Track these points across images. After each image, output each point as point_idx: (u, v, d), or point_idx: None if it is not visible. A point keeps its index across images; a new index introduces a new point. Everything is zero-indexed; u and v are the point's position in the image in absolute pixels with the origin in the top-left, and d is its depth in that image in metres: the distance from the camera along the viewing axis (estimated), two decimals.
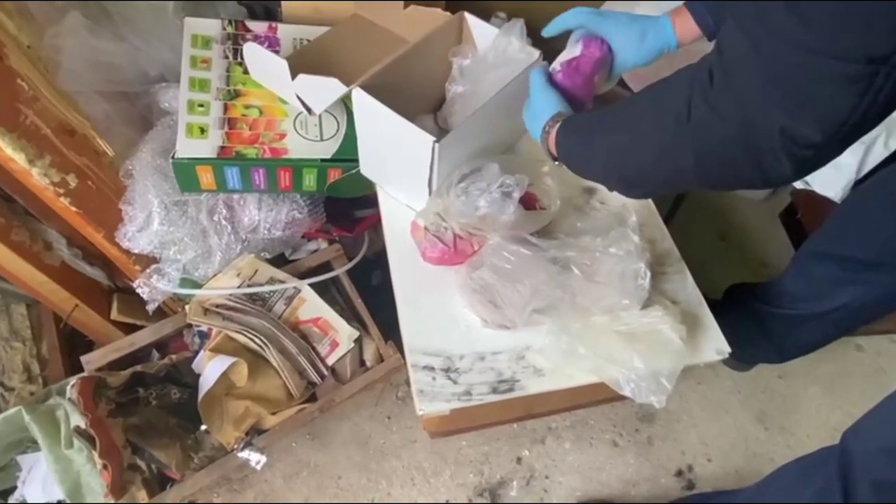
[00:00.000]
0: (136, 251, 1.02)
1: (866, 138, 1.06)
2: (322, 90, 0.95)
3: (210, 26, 1.11)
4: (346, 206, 1.23)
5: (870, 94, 0.47)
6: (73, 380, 1.07)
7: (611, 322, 0.81)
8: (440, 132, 1.04)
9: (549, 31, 0.86)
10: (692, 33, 0.79)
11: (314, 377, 1.10)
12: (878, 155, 1.06)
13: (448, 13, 1.03)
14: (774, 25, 0.49)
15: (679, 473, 1.18)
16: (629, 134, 0.65)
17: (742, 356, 1.23)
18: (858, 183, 1.08)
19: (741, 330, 1.15)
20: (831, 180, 1.09)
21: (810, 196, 1.18)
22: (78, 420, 0.94)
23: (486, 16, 1.45)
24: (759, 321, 1.16)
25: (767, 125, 0.51)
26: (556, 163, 0.78)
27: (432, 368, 0.83)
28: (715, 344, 0.88)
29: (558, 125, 0.74)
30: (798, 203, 1.43)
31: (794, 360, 1.22)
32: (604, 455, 1.18)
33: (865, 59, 0.45)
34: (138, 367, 1.00)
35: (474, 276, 0.80)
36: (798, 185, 1.16)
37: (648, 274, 0.77)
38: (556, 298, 0.75)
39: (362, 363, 1.16)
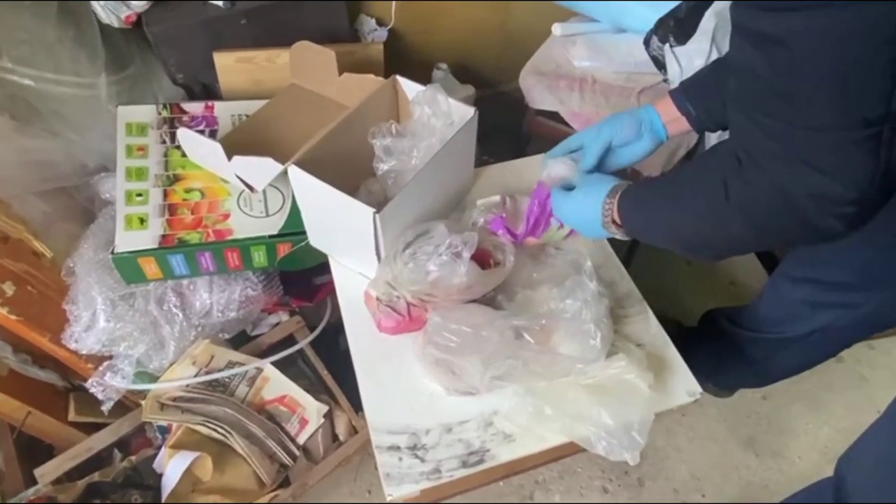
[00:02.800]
0: (84, 352, 0.98)
1: None
2: (259, 169, 0.94)
3: (145, 113, 1.09)
4: (304, 274, 1.21)
5: (883, 149, 0.51)
6: (31, 491, 1.02)
7: (576, 376, 0.79)
8: (388, 196, 1.03)
9: (553, 154, 0.94)
10: (679, 125, 0.86)
11: (285, 459, 1.05)
12: None
13: (381, 78, 1.03)
14: (771, 110, 0.54)
15: None
16: (685, 207, 0.68)
17: (723, 383, 1.21)
18: None
19: (720, 356, 1.14)
20: None
21: None
22: None
23: (428, 69, 1.48)
24: (737, 347, 1.14)
25: (798, 193, 0.55)
26: (620, 236, 0.81)
27: (398, 448, 0.79)
28: (685, 385, 0.85)
29: (619, 195, 0.77)
30: None
31: (773, 383, 1.20)
32: None
33: (864, 123, 0.50)
34: (95, 477, 0.95)
35: (425, 350, 0.77)
36: None
37: (599, 334, 0.75)
38: (510, 367, 0.72)
39: (335, 438, 1.11)
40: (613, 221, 0.78)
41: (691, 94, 0.84)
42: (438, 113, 0.90)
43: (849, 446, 0.75)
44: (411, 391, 0.85)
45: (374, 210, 0.80)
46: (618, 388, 0.79)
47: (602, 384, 0.79)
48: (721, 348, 1.14)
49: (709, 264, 1.53)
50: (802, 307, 0.99)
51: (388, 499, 0.77)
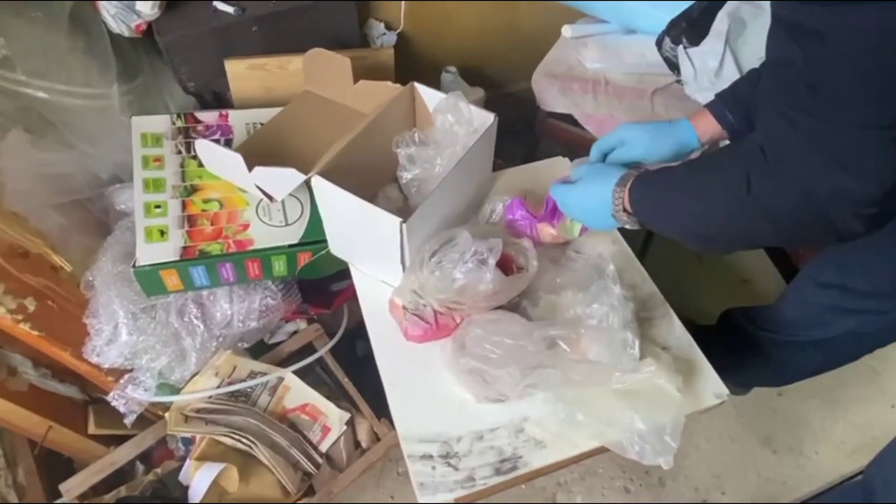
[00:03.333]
0: (106, 365, 0.98)
1: None
2: (281, 179, 0.93)
3: (159, 123, 1.09)
4: (321, 281, 1.20)
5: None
6: None
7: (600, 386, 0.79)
8: (405, 201, 1.03)
9: (593, 157, 0.93)
10: (713, 131, 0.86)
11: (309, 468, 1.05)
12: None
13: (398, 85, 1.02)
14: (803, 105, 0.54)
15: None
16: (702, 197, 0.68)
17: (741, 381, 1.21)
18: None
19: (739, 356, 1.14)
20: None
21: None
22: None
23: (437, 71, 1.47)
24: (757, 347, 1.14)
25: (821, 191, 0.55)
26: (630, 226, 0.81)
27: (430, 457, 0.79)
28: (713, 388, 0.86)
29: (630, 182, 0.76)
30: None
31: (792, 383, 1.21)
32: None
33: (893, 121, 0.50)
34: (122, 491, 0.95)
35: (461, 361, 0.77)
36: None
37: (637, 342, 0.75)
38: (547, 376, 0.73)
39: (357, 444, 1.11)
40: (625, 210, 0.78)
41: (730, 105, 0.84)
42: (461, 121, 0.90)
43: (880, 450, 0.76)
44: (440, 399, 0.85)
45: (401, 220, 0.80)
46: (648, 392, 0.79)
47: (632, 389, 0.80)
48: (740, 348, 1.15)
49: (720, 263, 1.54)
50: (829, 312, 0.99)
51: None
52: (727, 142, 0.89)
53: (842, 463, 1.22)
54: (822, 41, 0.50)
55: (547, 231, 0.97)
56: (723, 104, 0.85)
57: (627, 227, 0.82)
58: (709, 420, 1.27)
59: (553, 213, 0.95)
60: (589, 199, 0.83)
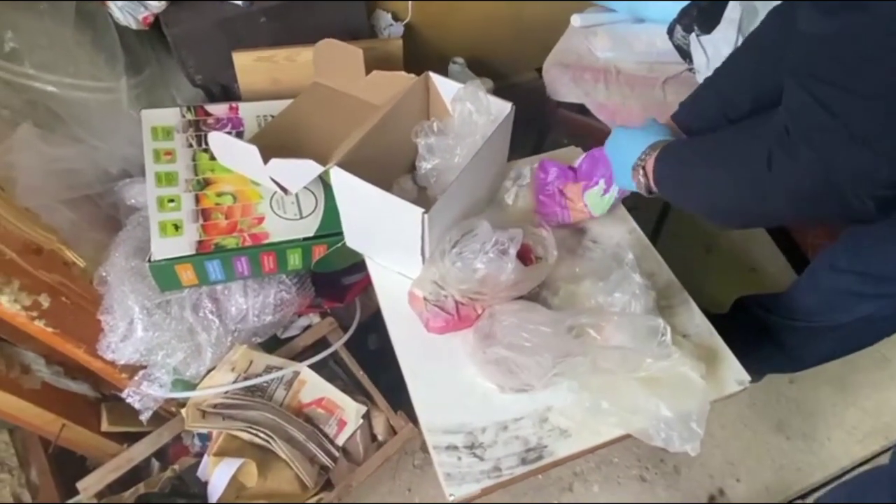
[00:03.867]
0: (121, 362, 0.97)
1: None
2: (297, 171, 0.92)
3: (169, 116, 1.07)
4: (333, 275, 1.19)
5: None
6: None
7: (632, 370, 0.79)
8: (420, 191, 1.02)
9: None
10: None
11: (326, 461, 1.05)
12: None
13: (412, 76, 1.01)
14: (832, 77, 0.54)
15: (711, 499, 1.16)
16: (725, 171, 0.69)
17: (755, 369, 1.21)
18: None
19: (753, 343, 1.14)
20: None
21: None
22: None
23: (444, 62, 1.46)
24: (771, 334, 1.14)
25: (843, 169, 0.56)
26: (650, 194, 0.83)
27: (456, 448, 0.79)
28: (734, 374, 0.86)
29: (657, 153, 0.78)
30: None
31: (806, 369, 1.21)
32: (633, 493, 1.15)
33: None
34: (141, 488, 0.94)
35: (489, 350, 0.77)
36: None
37: (669, 329, 0.75)
38: (577, 364, 0.72)
39: (374, 438, 1.11)
40: (644, 171, 0.82)
41: (693, 115, 0.88)
42: (481, 110, 0.90)
43: None
44: (463, 390, 0.85)
45: (423, 210, 0.80)
46: (672, 380, 0.79)
47: (655, 377, 0.80)
48: (754, 335, 1.15)
49: (728, 252, 1.54)
50: (845, 297, 0.99)
51: (450, 499, 0.76)
52: None
53: (854, 448, 1.23)
54: (863, 10, 0.50)
55: (576, 193, 0.97)
56: (686, 115, 0.89)
57: (640, 191, 0.85)
58: (722, 408, 1.27)
59: (593, 170, 0.96)
60: (623, 148, 0.86)
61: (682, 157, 0.77)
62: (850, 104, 0.54)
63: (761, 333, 1.14)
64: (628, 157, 0.84)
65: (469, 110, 0.89)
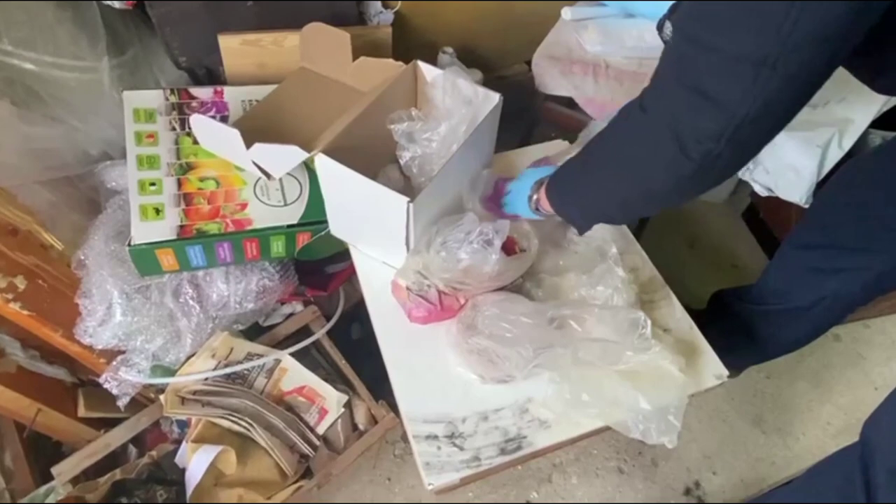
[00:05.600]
0: (99, 347, 0.96)
1: (820, 141, 1.08)
2: (281, 157, 0.91)
3: (152, 98, 1.05)
4: (317, 263, 1.19)
5: (757, 90, 0.52)
6: (42, 490, 1.00)
7: (612, 363, 0.80)
8: (406, 181, 1.01)
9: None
10: None
11: (306, 450, 1.05)
12: (834, 156, 1.08)
13: (400, 63, 1.00)
14: (692, 34, 0.55)
15: (687, 492, 1.18)
16: (607, 170, 0.70)
17: (733, 363, 1.23)
18: (820, 185, 1.10)
19: (730, 337, 1.16)
20: (794, 185, 1.11)
21: (771, 197, 1.20)
22: None
23: (434, 52, 1.45)
24: (746, 323, 1.16)
25: (685, 128, 0.58)
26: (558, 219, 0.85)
27: (436, 437, 0.79)
28: (713, 369, 0.88)
29: (543, 186, 0.80)
30: (759, 204, 1.46)
31: (779, 358, 1.23)
32: (612, 484, 1.16)
33: (764, 57, 0.50)
34: (117, 474, 0.93)
35: (471, 340, 0.77)
36: (762, 192, 1.18)
37: (649, 322, 0.76)
38: (558, 356, 0.73)
39: (354, 427, 1.11)
40: (539, 205, 0.85)
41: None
42: (459, 97, 0.89)
43: (874, 410, 0.77)
44: (444, 380, 0.85)
45: (408, 199, 0.79)
46: (651, 374, 0.80)
47: (635, 370, 0.80)
48: (730, 328, 1.16)
49: (710, 248, 1.56)
50: (811, 275, 1.01)
51: (429, 488, 0.77)
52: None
53: (827, 443, 1.25)
54: None
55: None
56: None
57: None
58: (700, 402, 1.29)
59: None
60: (518, 206, 0.90)
61: (574, 185, 0.78)
62: (701, 62, 0.55)
63: (737, 324, 1.16)
64: (525, 211, 0.88)
65: (447, 97, 0.89)
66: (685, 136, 0.58)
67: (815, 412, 1.30)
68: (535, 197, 0.85)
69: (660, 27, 1.19)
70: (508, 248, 0.90)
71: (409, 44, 1.46)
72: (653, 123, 0.62)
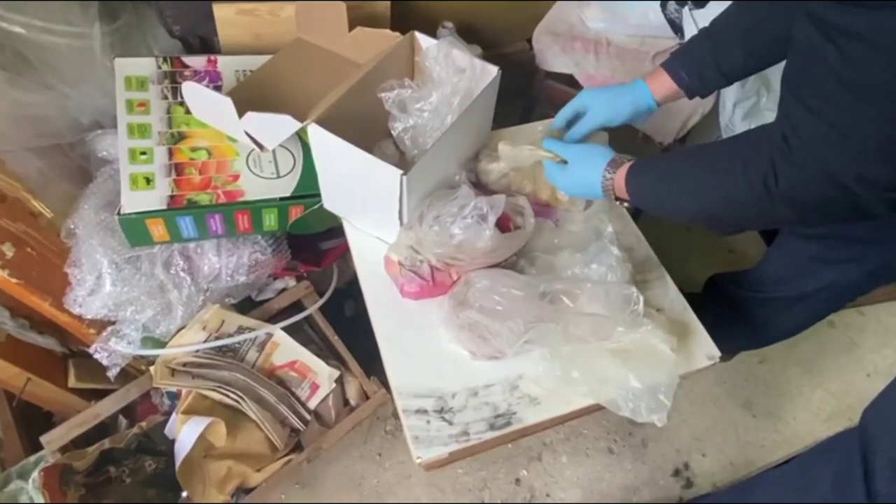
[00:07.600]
0: (88, 316, 0.95)
1: None
2: (274, 127, 0.90)
3: (144, 66, 1.04)
4: (311, 238, 1.18)
5: None
6: (32, 459, 0.99)
7: (603, 340, 0.79)
8: (402, 156, 1.00)
9: (557, 124, 0.96)
10: (668, 91, 0.87)
11: (297, 424, 1.05)
12: None
13: (397, 34, 0.99)
14: (833, 98, 0.55)
15: (676, 473, 1.18)
16: (718, 186, 0.68)
17: (727, 347, 1.23)
18: None
19: (725, 320, 1.15)
20: None
21: None
22: None
23: (433, 27, 1.43)
24: (741, 309, 1.15)
25: (848, 178, 0.56)
26: (625, 205, 0.83)
27: (425, 411, 0.79)
28: (705, 349, 0.87)
29: (626, 170, 0.77)
30: None
31: (773, 343, 1.23)
32: (601, 464, 1.17)
33: None
34: (106, 443, 0.92)
35: (462, 315, 0.76)
36: None
37: (641, 298, 0.75)
38: (549, 331, 0.72)
39: (346, 402, 1.11)
40: (617, 198, 0.80)
41: (685, 65, 0.85)
42: (452, 67, 0.88)
43: (875, 396, 0.77)
44: (435, 356, 0.84)
45: (401, 172, 0.78)
46: (643, 352, 0.80)
47: (626, 348, 0.80)
48: (725, 312, 1.16)
49: (708, 233, 1.54)
50: (812, 264, 1.01)
51: (417, 461, 0.77)
52: (685, 100, 0.89)
53: (818, 428, 1.26)
54: (860, 39, 0.50)
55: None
56: (678, 64, 0.86)
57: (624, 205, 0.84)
58: (692, 385, 1.29)
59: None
60: (583, 184, 0.84)
61: (661, 178, 0.75)
62: (848, 122, 0.55)
63: (732, 309, 1.15)
64: (594, 191, 0.82)
65: (441, 67, 0.87)
66: None
67: (807, 397, 1.30)
68: (608, 177, 0.80)
69: (663, 5, 1.18)
70: (503, 224, 0.89)
71: (409, 18, 1.43)
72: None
